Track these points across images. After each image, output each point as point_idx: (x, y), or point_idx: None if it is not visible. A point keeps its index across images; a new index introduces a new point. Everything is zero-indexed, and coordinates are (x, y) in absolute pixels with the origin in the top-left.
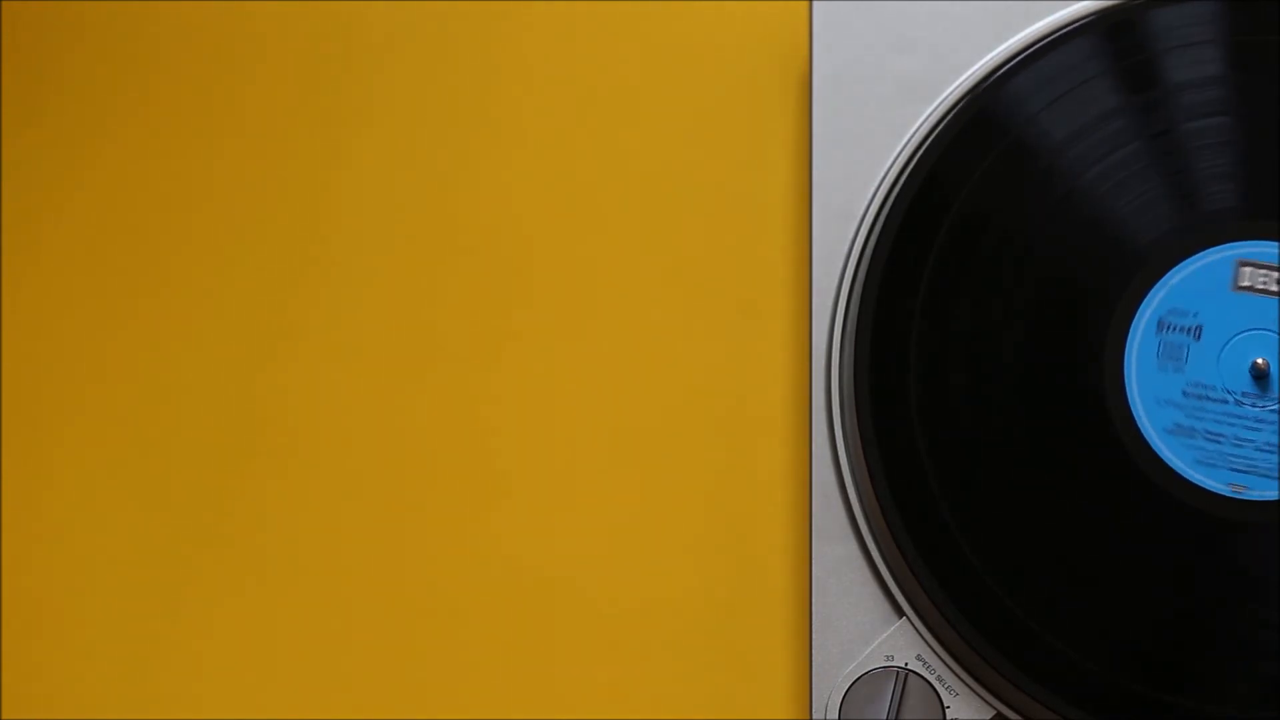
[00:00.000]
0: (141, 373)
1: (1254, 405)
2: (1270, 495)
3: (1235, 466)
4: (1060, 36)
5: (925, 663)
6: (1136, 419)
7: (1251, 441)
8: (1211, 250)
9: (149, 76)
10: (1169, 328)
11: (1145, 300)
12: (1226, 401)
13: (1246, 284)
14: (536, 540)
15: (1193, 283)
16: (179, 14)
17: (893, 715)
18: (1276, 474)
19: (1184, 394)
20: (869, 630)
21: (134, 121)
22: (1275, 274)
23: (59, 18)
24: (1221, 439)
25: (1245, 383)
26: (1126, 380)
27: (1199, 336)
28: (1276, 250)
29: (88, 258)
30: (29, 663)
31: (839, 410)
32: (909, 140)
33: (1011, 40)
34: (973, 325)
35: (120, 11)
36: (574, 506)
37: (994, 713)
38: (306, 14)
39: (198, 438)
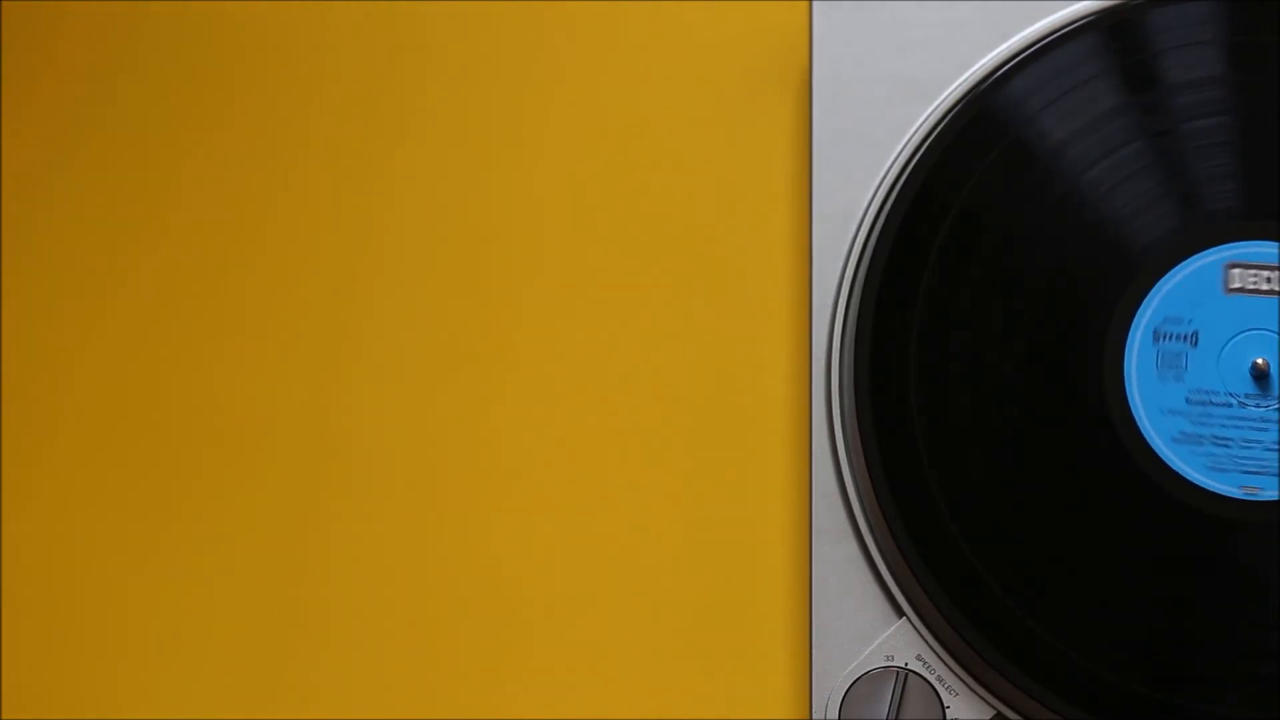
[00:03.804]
0: (142, 372)
1: (1257, 406)
2: (1273, 495)
3: (1246, 469)
4: (1060, 36)
5: (925, 663)
6: (1137, 420)
7: (1259, 442)
8: (1205, 253)
9: (179, 85)
10: (1165, 337)
11: (1144, 301)
12: (1230, 405)
13: (1238, 285)
14: (536, 540)
15: (1185, 289)
16: (207, 22)
17: (893, 715)
18: (1278, 474)
19: (1187, 401)
20: (869, 630)
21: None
22: (1266, 273)
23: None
24: (1229, 442)
25: (1246, 384)
26: (1127, 383)
27: (1196, 343)
28: (1268, 250)
29: (88, 258)
30: (29, 663)
31: (839, 410)
32: (909, 140)
33: (1011, 40)
34: (972, 325)
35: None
36: (574, 506)
37: (994, 713)
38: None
39: (198, 437)
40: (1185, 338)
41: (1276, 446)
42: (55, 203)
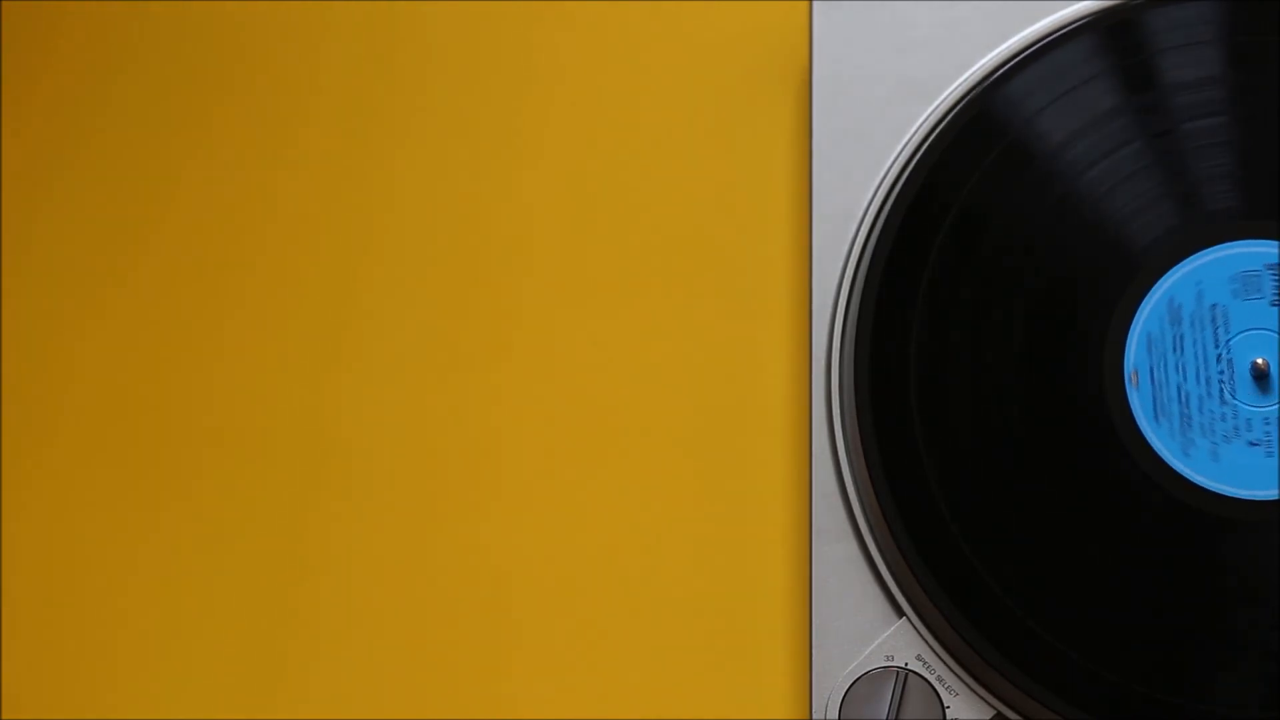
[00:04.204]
0: (139, 372)
1: (1256, 406)
2: (1271, 495)
3: (1243, 468)
4: (1060, 36)
5: (925, 663)
6: (1137, 421)
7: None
8: (1209, 250)
9: (175, 87)
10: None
11: (1144, 301)
12: (1228, 403)
13: (1243, 284)
14: (536, 540)
15: (1190, 284)
16: (204, 24)
17: (893, 715)
18: (1278, 474)
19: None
20: (869, 630)
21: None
22: (1273, 274)
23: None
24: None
25: (1246, 383)
26: (1127, 382)
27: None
28: (1275, 250)
29: (86, 257)
30: (29, 663)
31: (839, 410)
32: (909, 140)
33: (1011, 40)
34: (973, 325)
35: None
36: (574, 506)
37: (994, 713)
38: (308, 17)
39: (195, 437)
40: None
41: (1275, 447)
42: (54, 202)
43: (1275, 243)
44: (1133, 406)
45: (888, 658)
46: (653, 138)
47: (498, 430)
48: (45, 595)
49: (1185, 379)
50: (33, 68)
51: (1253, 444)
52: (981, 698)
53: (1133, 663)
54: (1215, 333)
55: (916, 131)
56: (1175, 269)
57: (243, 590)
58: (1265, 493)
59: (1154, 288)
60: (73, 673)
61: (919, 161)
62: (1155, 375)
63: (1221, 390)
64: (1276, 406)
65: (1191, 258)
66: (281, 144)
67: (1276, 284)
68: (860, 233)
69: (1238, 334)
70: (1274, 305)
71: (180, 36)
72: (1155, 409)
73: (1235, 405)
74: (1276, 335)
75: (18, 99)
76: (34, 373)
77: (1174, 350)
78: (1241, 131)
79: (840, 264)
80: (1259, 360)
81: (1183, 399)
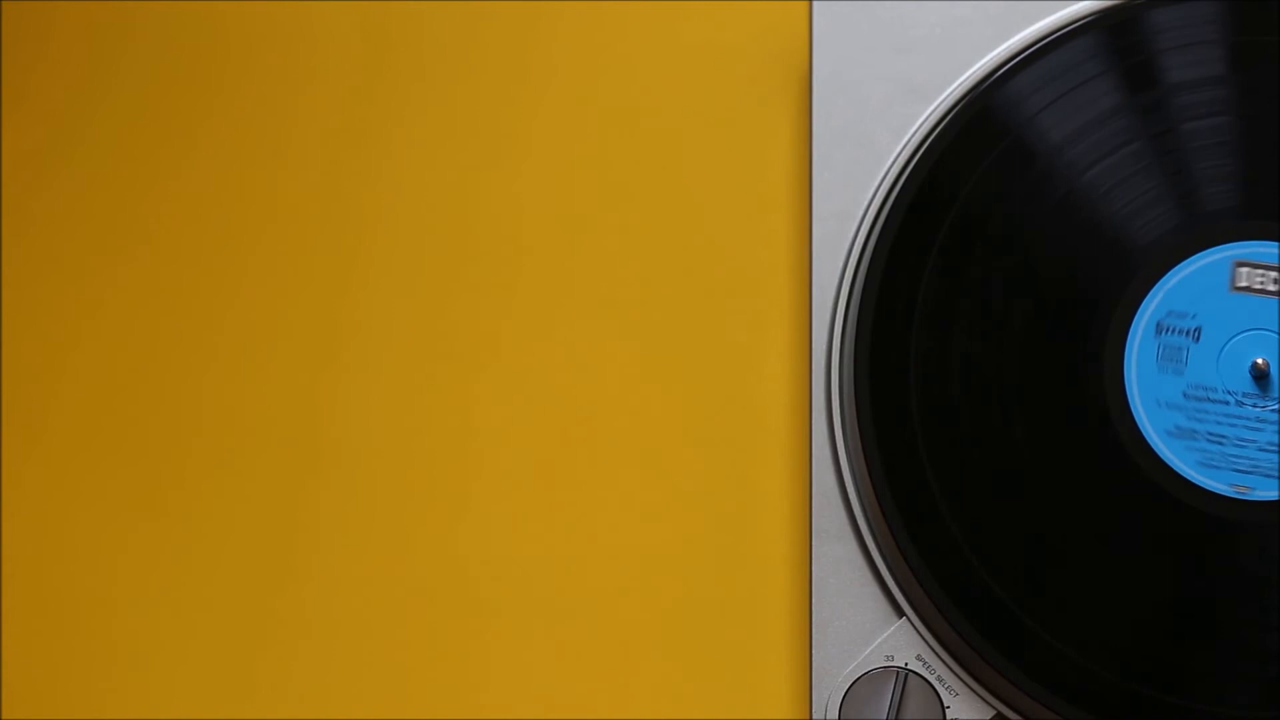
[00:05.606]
0: (132, 372)
1: (1255, 406)
2: (1271, 495)
3: (1238, 467)
4: (1060, 36)
5: (925, 663)
6: (1138, 421)
7: (1254, 442)
8: (1209, 251)
9: (170, 87)
10: (1168, 330)
11: (1144, 302)
12: (1228, 403)
13: (1244, 284)
14: (535, 540)
15: (1191, 284)
16: (199, 24)
17: (893, 715)
18: (1278, 474)
19: (1184, 396)
20: (869, 630)
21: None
22: (1273, 274)
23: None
24: (1224, 440)
25: (1246, 383)
26: (1127, 383)
27: (1198, 338)
28: (1275, 250)
29: (79, 256)
30: (29, 663)
31: (839, 410)
32: (909, 140)
33: (1011, 40)
34: (972, 325)
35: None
36: (573, 506)
37: (994, 713)
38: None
39: (192, 436)
40: (1188, 332)
41: (1270, 447)
42: (49, 201)
43: (1273, 243)
44: (1132, 407)
45: (888, 658)
46: (652, 138)
47: (496, 431)
48: (41, 593)
49: (1220, 424)
50: (30, 67)
51: (1270, 444)
52: (981, 698)
53: (1133, 663)
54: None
55: (916, 132)
56: (1176, 269)
57: (242, 589)
58: (1267, 493)
59: (1154, 288)
60: (73, 673)
61: (919, 161)
62: (1198, 431)
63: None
64: (1277, 406)
65: (1192, 258)
66: (275, 144)
67: (1275, 283)
68: (860, 233)
69: (1239, 333)
70: (1273, 304)
71: (174, 36)
72: (1199, 461)
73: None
74: (1276, 335)
75: (15, 98)
76: (28, 370)
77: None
78: (1241, 131)
79: (840, 264)
80: (1259, 360)
81: (1218, 440)
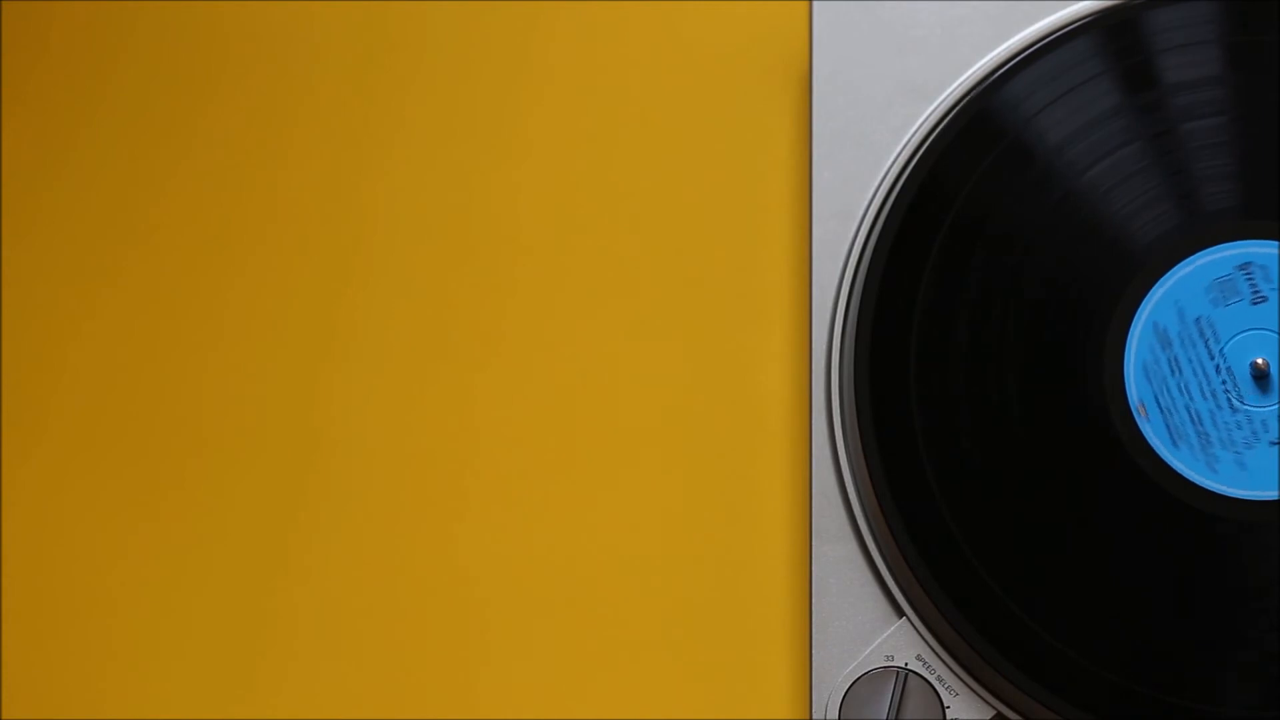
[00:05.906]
0: (129, 372)
1: (1255, 405)
2: (1271, 495)
3: (1239, 468)
4: (1060, 36)
5: (925, 663)
6: (1139, 424)
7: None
8: (1209, 251)
9: (169, 87)
10: (1168, 329)
11: (1144, 302)
12: (1228, 402)
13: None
14: (535, 540)
15: (1190, 284)
16: (197, 23)
17: (893, 715)
18: (1278, 474)
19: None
20: (869, 630)
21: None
22: (1274, 274)
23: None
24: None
25: (1246, 383)
26: (1126, 382)
27: (1197, 338)
28: (1268, 250)
29: (78, 256)
30: (29, 663)
31: (839, 410)
32: (909, 140)
33: (1011, 40)
34: (972, 325)
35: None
36: (573, 506)
37: (994, 713)
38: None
39: (197, 437)
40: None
41: (1273, 446)
42: (48, 201)
43: (1275, 243)
44: (1133, 407)
45: (888, 658)
46: (652, 138)
47: (495, 431)
48: (41, 593)
49: (1191, 398)
50: (30, 67)
51: (1273, 443)
52: (981, 698)
53: (1133, 663)
54: (1207, 345)
55: (916, 132)
56: (1176, 269)
57: (241, 589)
58: (1266, 493)
59: (1154, 288)
60: (73, 673)
61: (919, 161)
62: (1161, 402)
63: (1229, 399)
64: (1277, 406)
65: (1192, 258)
66: (274, 144)
67: (1249, 284)
68: (860, 233)
69: (1230, 340)
70: (1255, 304)
71: (173, 36)
72: (1171, 436)
73: (1246, 411)
74: (1277, 335)
75: (15, 98)
76: (28, 370)
77: (1172, 373)
78: (1241, 131)
79: (840, 264)
80: (1259, 360)
81: (1195, 418)
